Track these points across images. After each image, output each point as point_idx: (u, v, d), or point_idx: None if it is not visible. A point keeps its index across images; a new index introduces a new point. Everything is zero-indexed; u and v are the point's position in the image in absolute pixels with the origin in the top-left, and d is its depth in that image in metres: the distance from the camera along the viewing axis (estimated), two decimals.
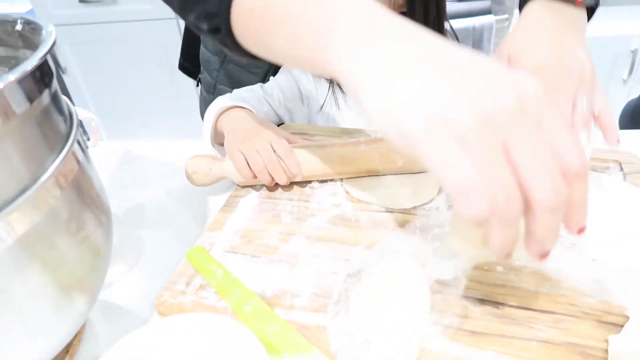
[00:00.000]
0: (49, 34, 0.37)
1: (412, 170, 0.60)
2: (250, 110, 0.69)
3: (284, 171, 0.59)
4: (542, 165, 0.27)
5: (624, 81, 1.74)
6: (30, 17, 0.42)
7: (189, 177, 0.63)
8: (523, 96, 0.27)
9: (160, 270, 0.53)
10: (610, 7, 1.68)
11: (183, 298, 0.47)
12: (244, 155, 0.59)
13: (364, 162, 0.60)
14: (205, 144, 0.71)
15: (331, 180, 0.62)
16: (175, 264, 0.51)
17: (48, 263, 0.35)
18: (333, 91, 0.78)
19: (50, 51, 0.35)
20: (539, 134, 0.27)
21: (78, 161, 0.38)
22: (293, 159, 0.59)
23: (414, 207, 0.56)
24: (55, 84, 0.37)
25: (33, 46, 0.42)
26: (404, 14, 0.70)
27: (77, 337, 0.47)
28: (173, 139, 2.19)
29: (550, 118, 0.27)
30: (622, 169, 0.59)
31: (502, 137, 0.26)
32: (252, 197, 0.61)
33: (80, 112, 0.63)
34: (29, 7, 2.12)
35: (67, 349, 0.45)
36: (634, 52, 1.67)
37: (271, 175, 0.59)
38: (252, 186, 0.63)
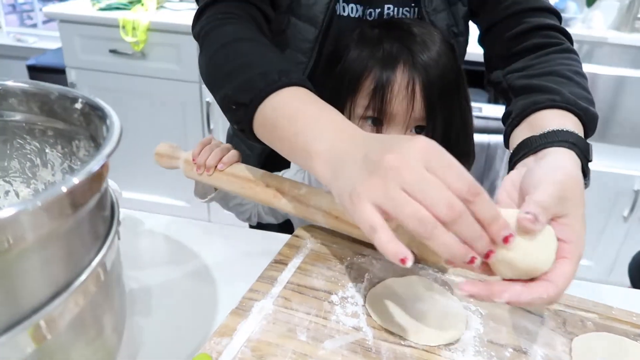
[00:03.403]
0: (113, 126, 0.36)
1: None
2: None
3: (221, 153, 0.68)
4: (431, 193, 0.37)
5: (625, 218, 1.77)
6: (92, 99, 0.41)
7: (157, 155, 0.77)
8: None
9: None
10: (617, 146, 1.73)
11: None
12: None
13: (290, 187, 0.65)
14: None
15: (352, 299, 0.59)
16: None
17: None
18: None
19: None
20: (425, 174, 0.38)
21: (109, 263, 0.36)
22: (234, 155, 0.69)
23: (439, 346, 0.53)
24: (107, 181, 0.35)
25: (90, 126, 0.41)
26: (422, 128, 0.70)
27: None
28: (174, 199, 2.15)
29: (439, 163, 0.38)
30: None
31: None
32: (267, 303, 0.57)
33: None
34: (58, 44, 2.15)
35: None
36: (637, 192, 1.71)
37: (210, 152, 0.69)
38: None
